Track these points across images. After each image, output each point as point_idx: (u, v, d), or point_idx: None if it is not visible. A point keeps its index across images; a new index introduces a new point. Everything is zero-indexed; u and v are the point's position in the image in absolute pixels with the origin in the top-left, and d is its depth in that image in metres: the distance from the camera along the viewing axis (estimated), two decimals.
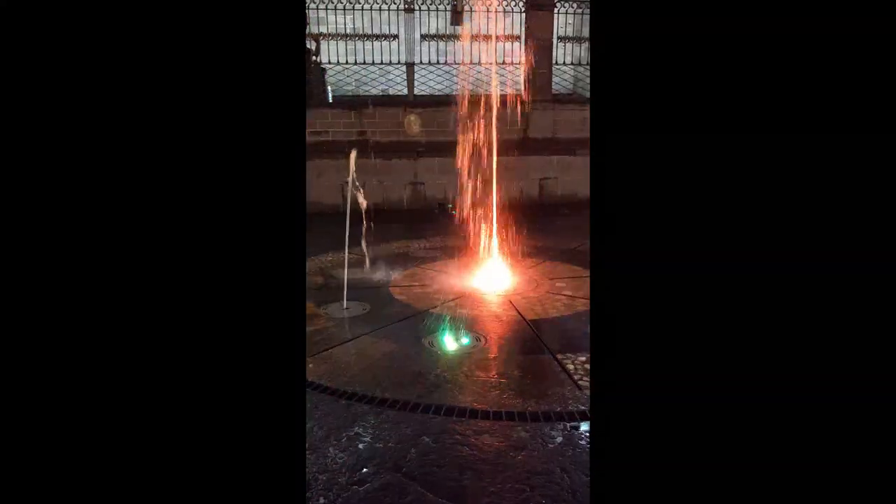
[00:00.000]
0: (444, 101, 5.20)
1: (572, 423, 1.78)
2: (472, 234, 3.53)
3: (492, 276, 3.35)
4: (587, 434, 1.73)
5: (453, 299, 3.05)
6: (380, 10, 5.62)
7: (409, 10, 6.03)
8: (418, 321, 2.75)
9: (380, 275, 3.45)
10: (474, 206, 3.52)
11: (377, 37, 5.72)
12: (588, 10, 6.01)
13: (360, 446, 1.69)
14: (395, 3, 5.63)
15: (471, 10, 5.49)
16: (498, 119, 3.50)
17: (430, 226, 4.55)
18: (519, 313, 2.83)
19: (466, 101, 3.53)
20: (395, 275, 3.48)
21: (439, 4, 5.70)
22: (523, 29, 5.75)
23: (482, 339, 2.51)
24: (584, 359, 2.25)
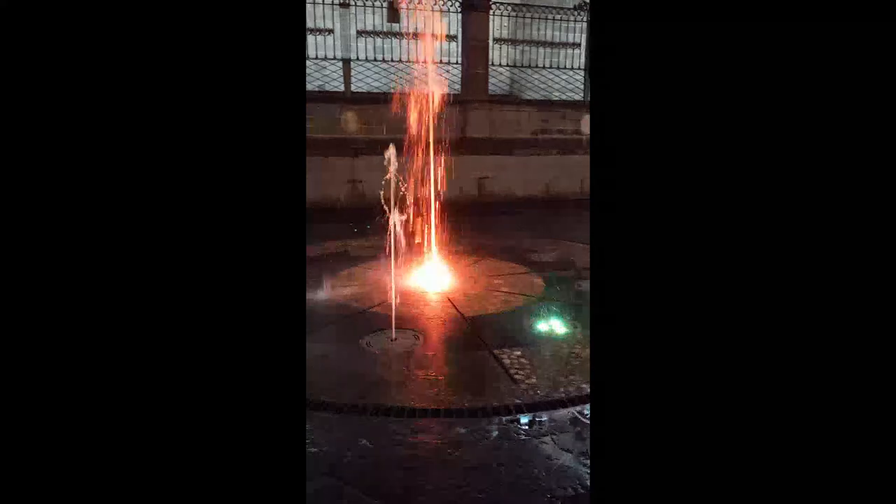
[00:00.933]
0: (382, 99, 5.15)
1: (508, 417, 1.82)
2: (411, 232, 3.51)
3: (431, 274, 3.36)
4: (523, 427, 1.77)
5: (392, 298, 3.02)
6: (314, 3, 5.48)
7: (345, 6, 5.92)
8: (355, 321, 2.70)
9: (317, 275, 3.36)
10: (414, 204, 3.51)
11: (311, 31, 5.56)
12: (521, 15, 6.16)
13: None
14: None
15: (407, 9, 5.47)
16: (437, 118, 3.51)
17: (369, 224, 4.49)
18: (457, 310, 2.85)
19: (405, 100, 3.51)
20: (333, 275, 3.40)
21: (375, 1, 5.64)
22: (460, 29, 5.81)
23: (421, 338, 2.51)
24: (519, 353, 2.30)
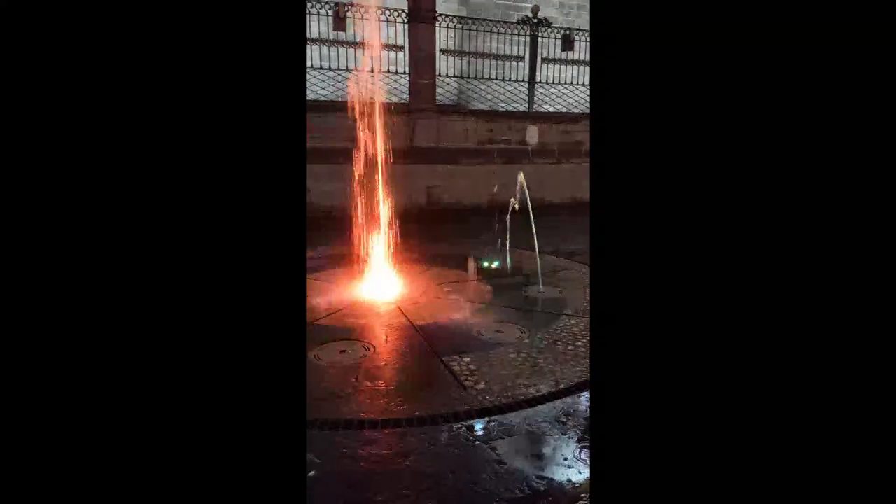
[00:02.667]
0: (328, 107, 5.08)
1: (458, 424, 1.83)
2: (359, 242, 3.48)
3: (380, 283, 3.34)
4: (472, 433, 1.80)
5: (341, 309, 2.98)
6: None
7: None
8: None
9: None
10: (362, 213, 3.48)
11: None
12: (467, 28, 6.29)
13: None
14: None
15: (353, 18, 5.45)
16: (385, 127, 3.51)
17: (315, 234, 4.41)
18: (407, 319, 2.85)
19: (352, 108, 3.49)
20: None
21: (320, 9, 5.58)
22: (407, 40, 5.85)
23: (371, 348, 2.49)
24: (468, 359, 2.33)
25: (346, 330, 2.68)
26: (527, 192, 3.59)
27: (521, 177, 3.65)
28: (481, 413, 1.90)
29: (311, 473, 1.57)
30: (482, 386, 2.10)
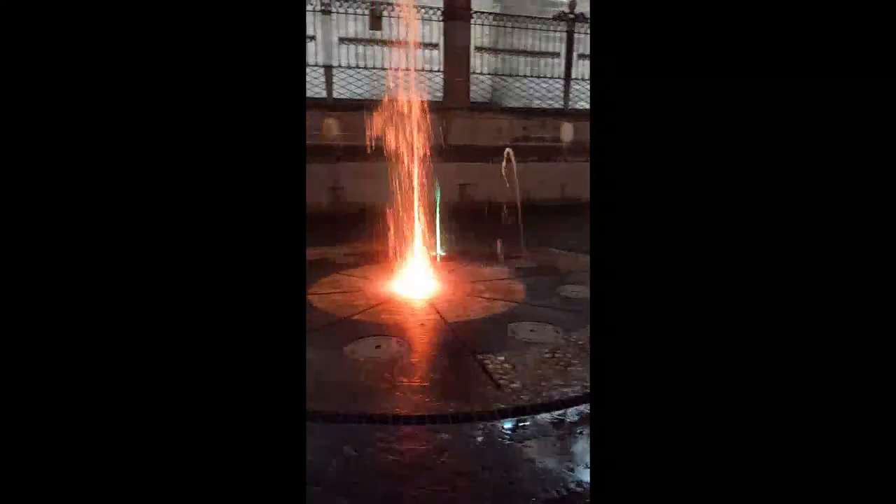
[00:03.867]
0: (363, 106, 5.15)
1: (493, 422, 1.83)
2: (393, 239, 3.52)
3: (414, 280, 3.36)
4: (508, 432, 1.79)
5: (375, 305, 3.02)
6: None
7: (326, 13, 5.92)
8: (339, 329, 2.69)
9: None
10: (396, 211, 3.51)
11: None
12: (502, 25, 6.25)
13: None
14: (310, 4, 5.50)
15: (389, 17, 5.49)
16: (418, 125, 3.53)
17: (351, 231, 4.47)
18: (441, 316, 2.86)
19: (386, 107, 3.52)
20: (315, 282, 3.38)
21: (357, 8, 5.65)
22: (441, 37, 5.86)
23: (405, 344, 2.51)
24: (502, 358, 2.32)
25: (381, 326, 2.71)
26: (563, 189, 3.53)
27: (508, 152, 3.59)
28: (516, 412, 1.90)
29: (349, 467, 1.60)
30: (517, 385, 2.09)
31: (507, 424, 1.83)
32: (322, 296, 3.18)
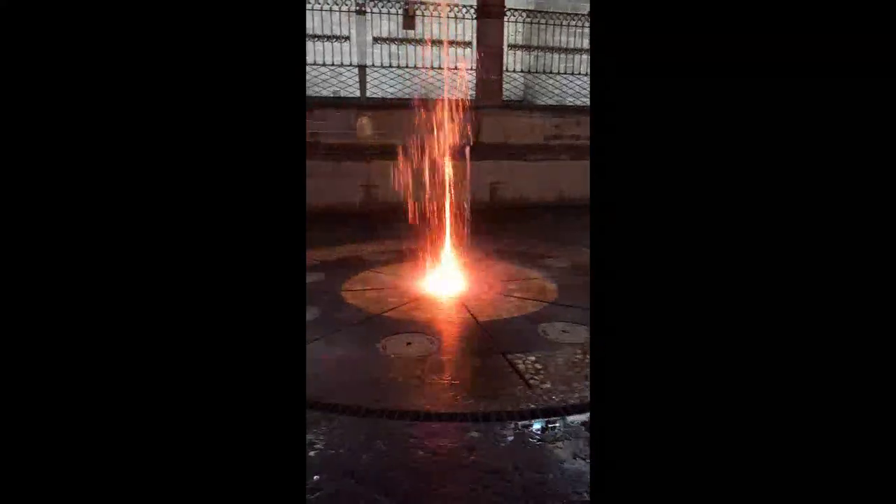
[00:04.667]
0: (397, 105, 5.20)
1: (523, 422, 1.83)
2: (424, 237, 3.54)
3: (445, 278, 3.38)
4: (538, 432, 1.78)
5: (407, 303, 3.05)
6: (330, 10, 5.56)
7: (361, 13, 5.99)
8: (371, 325, 2.73)
9: (331, 279, 3.39)
10: (428, 209, 3.54)
11: (328, 37, 5.64)
12: (535, 22, 6.18)
13: (312, 454, 1.66)
14: (346, 5, 5.58)
15: (423, 16, 5.52)
16: (451, 124, 3.54)
17: (383, 229, 4.53)
18: (472, 315, 2.86)
19: (420, 105, 3.55)
20: (347, 279, 3.44)
21: (391, 8, 5.70)
22: (474, 36, 5.84)
23: (436, 342, 2.52)
24: (533, 358, 2.31)
25: (412, 323, 2.74)
26: None
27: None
28: (547, 412, 1.88)
29: (381, 461, 1.62)
30: (548, 385, 2.08)
31: (538, 425, 1.82)
32: (355, 292, 3.23)
